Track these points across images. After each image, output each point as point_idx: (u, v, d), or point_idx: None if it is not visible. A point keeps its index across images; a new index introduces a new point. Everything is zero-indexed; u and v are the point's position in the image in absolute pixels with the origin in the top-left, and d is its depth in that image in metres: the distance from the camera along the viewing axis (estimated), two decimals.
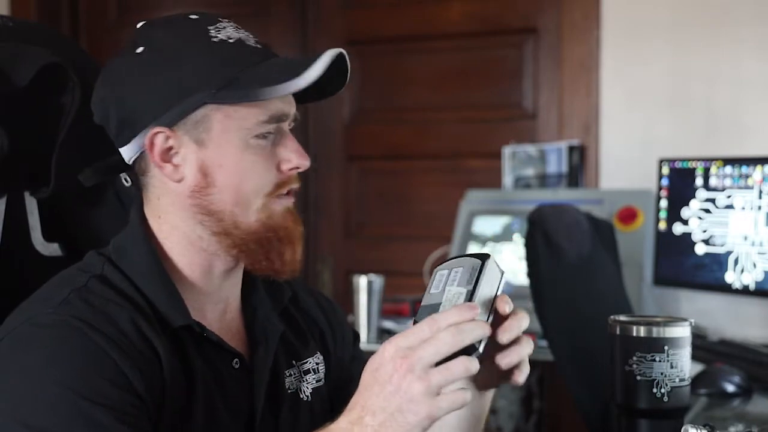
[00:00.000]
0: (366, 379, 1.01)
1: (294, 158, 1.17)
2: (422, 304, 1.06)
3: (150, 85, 1.15)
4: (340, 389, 1.30)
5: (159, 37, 1.18)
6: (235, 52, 1.15)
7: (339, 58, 1.15)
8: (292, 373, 1.27)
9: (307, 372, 1.29)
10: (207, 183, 1.16)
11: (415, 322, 1.02)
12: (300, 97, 1.20)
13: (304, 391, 1.27)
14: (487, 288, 1.04)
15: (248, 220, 1.16)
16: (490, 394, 1.17)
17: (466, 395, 0.99)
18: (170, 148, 1.16)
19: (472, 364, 0.99)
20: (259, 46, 1.17)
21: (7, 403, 1.05)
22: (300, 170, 1.19)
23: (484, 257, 1.06)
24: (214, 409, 1.16)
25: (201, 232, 1.17)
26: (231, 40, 1.16)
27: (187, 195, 1.17)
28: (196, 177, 1.16)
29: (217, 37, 1.15)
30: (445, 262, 1.09)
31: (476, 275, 1.04)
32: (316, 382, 1.29)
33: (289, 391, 1.25)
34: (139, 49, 1.18)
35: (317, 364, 1.31)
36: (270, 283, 1.28)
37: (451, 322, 0.99)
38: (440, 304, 1.03)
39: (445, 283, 1.05)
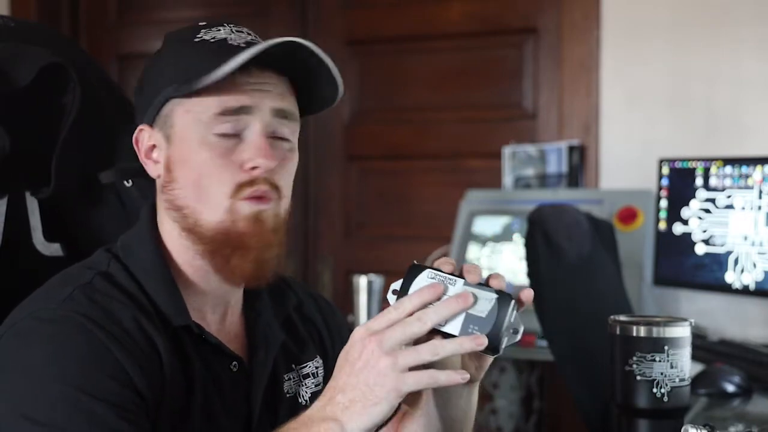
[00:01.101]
0: (338, 362, 1.05)
1: (254, 156, 1.14)
2: (457, 331, 1.05)
3: (144, 86, 1.21)
4: None
5: (163, 42, 1.22)
6: (207, 50, 1.15)
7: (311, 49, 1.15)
8: (292, 377, 1.27)
9: (307, 376, 1.29)
10: (171, 178, 1.18)
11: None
12: (303, 107, 1.21)
13: (302, 396, 1.27)
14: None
15: (211, 219, 1.15)
16: (475, 388, 1.18)
17: (435, 375, 1.02)
18: (153, 146, 1.20)
19: (441, 349, 1.02)
20: (243, 45, 1.15)
21: (10, 396, 1.05)
22: (261, 170, 1.14)
23: (415, 271, 1.08)
24: (211, 410, 1.16)
25: (178, 229, 1.18)
26: (212, 40, 1.16)
27: (161, 191, 1.20)
28: (163, 172, 1.19)
29: (200, 37, 1.16)
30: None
31: (442, 275, 1.07)
32: (315, 386, 1.29)
33: (287, 395, 1.26)
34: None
35: (317, 368, 1.31)
36: (275, 290, 1.29)
37: (416, 304, 1.04)
38: (468, 313, 1.05)
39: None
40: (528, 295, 1.08)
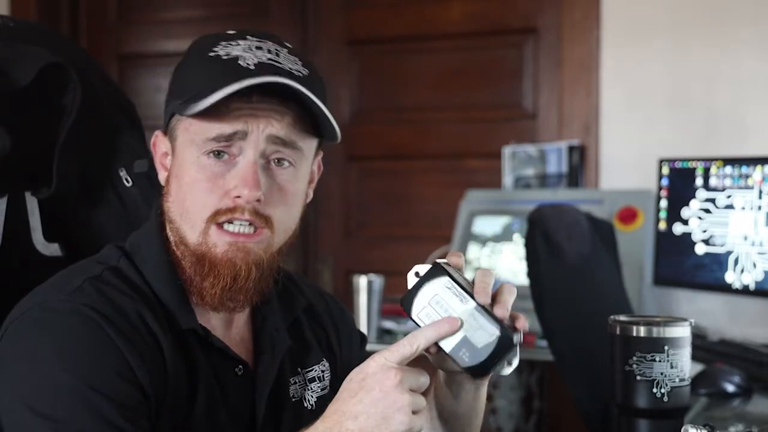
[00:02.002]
0: (351, 388, 1.03)
1: (239, 185, 1.12)
2: (447, 348, 1.07)
3: (168, 92, 1.20)
4: None
5: (187, 48, 1.20)
6: (214, 70, 1.12)
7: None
8: (297, 380, 1.26)
9: (312, 380, 1.28)
10: (168, 190, 1.19)
11: (455, 362, 1.07)
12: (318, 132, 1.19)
13: (308, 400, 1.27)
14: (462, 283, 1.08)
15: (192, 239, 1.15)
16: (482, 385, 1.19)
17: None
18: (165, 153, 1.20)
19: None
20: (252, 67, 1.12)
21: (15, 386, 1.06)
22: (244, 200, 1.12)
23: (435, 273, 1.08)
24: (215, 413, 1.16)
25: (173, 236, 1.19)
26: (225, 57, 1.13)
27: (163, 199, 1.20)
28: (165, 182, 1.20)
29: (215, 52, 1.14)
30: (411, 302, 1.09)
31: (459, 289, 1.07)
32: (321, 390, 1.29)
33: (293, 400, 1.25)
34: None
35: (323, 371, 1.30)
36: (284, 294, 1.28)
37: (429, 338, 1.05)
38: (465, 337, 1.06)
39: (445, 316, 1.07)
40: (522, 324, 1.09)
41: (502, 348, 1.05)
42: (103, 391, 1.04)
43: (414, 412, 1.02)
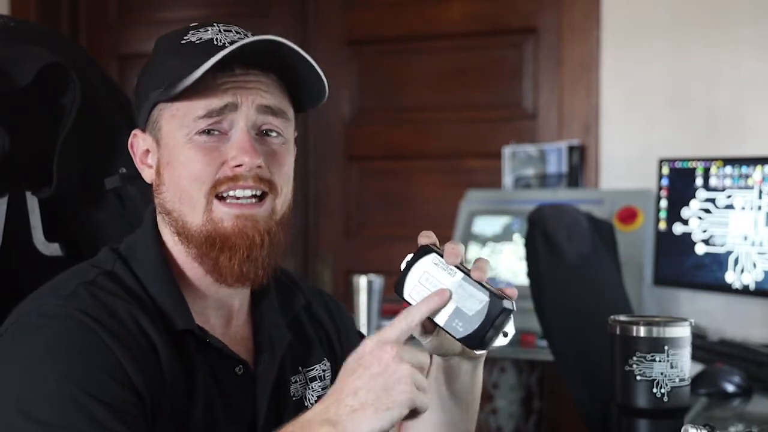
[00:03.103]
0: (348, 368, 1.02)
1: (238, 154, 1.13)
2: (441, 322, 1.08)
3: (137, 91, 1.21)
4: None
5: (154, 46, 1.21)
6: (191, 52, 1.14)
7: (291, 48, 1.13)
8: (298, 379, 1.26)
9: (314, 379, 1.28)
10: (160, 181, 1.18)
11: (451, 335, 1.08)
12: (297, 104, 1.20)
13: (309, 399, 1.27)
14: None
15: (194, 221, 1.15)
16: (479, 365, 1.20)
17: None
18: (147, 151, 1.20)
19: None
20: (227, 44, 1.13)
21: (9, 391, 1.05)
22: (246, 167, 1.13)
23: (422, 253, 1.12)
24: (214, 414, 1.16)
25: (172, 233, 1.18)
26: (198, 41, 1.15)
27: (155, 195, 1.20)
28: (155, 176, 1.19)
29: (187, 39, 1.16)
30: (402, 284, 1.12)
31: (445, 264, 1.10)
32: (322, 389, 1.28)
33: (293, 399, 1.25)
34: None
35: (323, 371, 1.30)
36: (283, 291, 1.28)
37: (422, 311, 1.06)
38: (457, 308, 1.08)
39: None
40: (512, 291, 1.10)
41: (493, 312, 1.06)
42: (97, 396, 1.04)
43: (418, 389, 1.00)
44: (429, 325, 1.12)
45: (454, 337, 1.08)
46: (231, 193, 1.14)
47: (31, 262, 1.32)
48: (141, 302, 1.14)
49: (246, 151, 1.13)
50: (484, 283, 1.08)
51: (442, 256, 1.10)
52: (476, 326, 1.06)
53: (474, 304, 1.07)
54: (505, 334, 1.08)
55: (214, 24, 1.18)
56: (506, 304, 1.07)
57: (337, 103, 3.25)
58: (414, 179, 3.25)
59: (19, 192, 1.33)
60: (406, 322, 1.05)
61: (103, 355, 1.07)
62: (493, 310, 1.06)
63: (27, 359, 1.06)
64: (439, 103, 3.21)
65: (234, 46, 1.11)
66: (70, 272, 1.17)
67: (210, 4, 3.51)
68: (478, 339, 1.07)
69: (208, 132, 1.14)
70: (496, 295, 1.07)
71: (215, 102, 1.13)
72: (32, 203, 1.33)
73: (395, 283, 1.12)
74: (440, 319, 1.08)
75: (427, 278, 1.10)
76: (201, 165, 1.14)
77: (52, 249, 1.35)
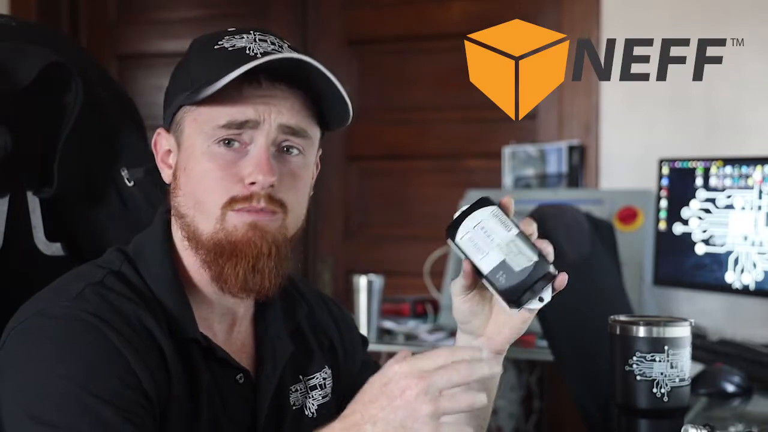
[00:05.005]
0: (372, 392, 1.00)
1: (253, 172, 1.12)
2: (485, 270, 1.09)
3: (167, 90, 1.20)
4: (350, 396, 1.29)
5: (188, 47, 1.21)
6: (221, 59, 1.13)
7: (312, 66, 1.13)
8: (298, 388, 1.26)
9: (314, 388, 1.28)
10: (176, 185, 1.18)
11: (492, 285, 1.09)
12: (323, 122, 1.20)
13: (309, 408, 1.26)
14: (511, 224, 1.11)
15: (207, 229, 1.15)
16: (498, 360, 1.19)
17: (463, 429, 1.00)
18: (168, 151, 1.20)
19: (477, 400, 0.99)
20: (259, 54, 1.12)
21: (16, 393, 1.05)
22: (259, 186, 1.12)
23: (482, 203, 1.12)
24: (216, 421, 1.16)
25: (184, 237, 1.18)
26: (231, 48, 1.14)
27: (171, 197, 1.19)
28: (172, 178, 1.19)
29: (221, 45, 1.15)
30: (456, 228, 1.12)
31: (505, 217, 1.11)
32: (323, 398, 1.28)
33: (293, 408, 1.24)
34: None
35: (324, 379, 1.29)
36: (286, 300, 1.28)
37: (467, 357, 1.01)
38: (504, 261, 1.09)
39: (487, 240, 1.10)
40: (562, 280, 1.11)
41: (538, 273, 1.08)
42: (104, 397, 1.03)
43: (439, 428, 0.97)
44: (472, 279, 1.12)
45: (495, 288, 1.09)
46: (239, 208, 1.14)
47: (32, 261, 1.32)
48: (148, 304, 1.14)
49: (261, 169, 1.12)
50: (536, 244, 1.10)
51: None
52: (517, 282, 1.08)
53: (522, 261, 1.08)
54: (541, 300, 1.10)
55: (251, 31, 1.17)
56: (552, 269, 1.09)
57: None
58: (414, 179, 3.25)
59: (21, 192, 1.33)
60: (444, 359, 1.00)
61: (111, 357, 1.06)
62: (539, 271, 1.08)
63: (35, 361, 1.06)
64: (439, 103, 3.21)
65: (263, 60, 1.11)
66: (76, 273, 1.16)
67: (210, 4, 3.51)
68: (516, 295, 1.08)
69: (227, 142, 1.14)
70: (545, 259, 1.09)
71: (237, 114, 1.13)
72: (33, 203, 1.33)
73: (448, 226, 1.13)
74: (485, 268, 1.09)
75: (483, 227, 1.11)
76: (218, 180, 1.13)
77: (54, 249, 1.35)
